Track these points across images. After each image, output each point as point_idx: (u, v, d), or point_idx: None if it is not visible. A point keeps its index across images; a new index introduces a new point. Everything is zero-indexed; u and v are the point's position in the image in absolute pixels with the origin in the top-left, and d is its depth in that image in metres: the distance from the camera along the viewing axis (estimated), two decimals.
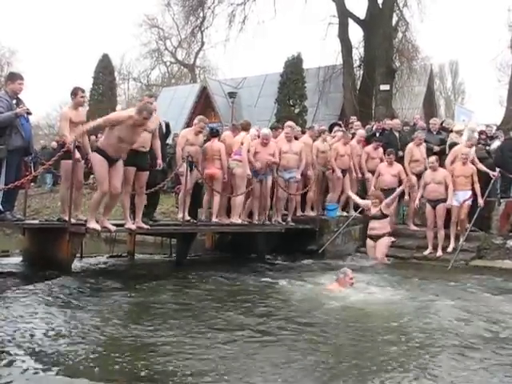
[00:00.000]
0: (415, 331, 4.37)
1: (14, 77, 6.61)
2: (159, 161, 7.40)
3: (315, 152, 9.96)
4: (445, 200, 8.83)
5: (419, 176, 9.60)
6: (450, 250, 8.69)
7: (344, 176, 10.15)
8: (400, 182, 9.55)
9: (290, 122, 10.05)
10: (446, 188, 8.84)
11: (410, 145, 10.08)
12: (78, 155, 6.73)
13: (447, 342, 4.09)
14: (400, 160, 10.09)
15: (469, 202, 8.79)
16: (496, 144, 10.51)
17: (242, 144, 8.90)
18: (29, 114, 6.49)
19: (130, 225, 7.04)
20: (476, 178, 8.83)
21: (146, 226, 7.29)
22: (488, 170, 9.20)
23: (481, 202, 8.74)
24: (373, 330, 4.40)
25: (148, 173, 7.30)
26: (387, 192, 9.25)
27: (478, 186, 8.80)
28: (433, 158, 9.10)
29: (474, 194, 8.84)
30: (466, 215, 8.80)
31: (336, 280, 6.17)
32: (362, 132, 11.05)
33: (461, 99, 40.77)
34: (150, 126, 6.94)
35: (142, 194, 7.39)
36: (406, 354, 3.80)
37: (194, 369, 3.31)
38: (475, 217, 8.74)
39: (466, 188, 8.83)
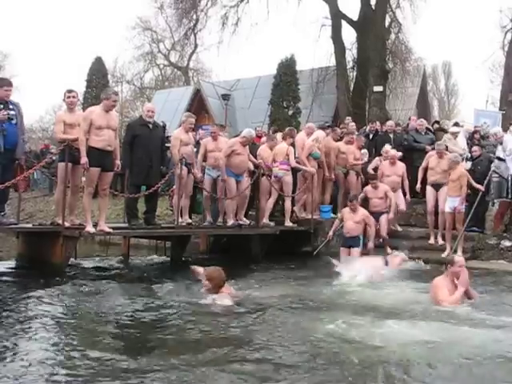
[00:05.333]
0: None
1: (1, 83, 6.62)
2: (117, 161, 7.17)
3: (336, 153, 10.23)
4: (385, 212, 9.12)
5: (434, 186, 9.15)
6: (444, 255, 8.31)
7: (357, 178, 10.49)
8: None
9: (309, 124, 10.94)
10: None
11: (432, 152, 9.68)
12: (85, 160, 6.63)
13: None
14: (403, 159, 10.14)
15: (461, 209, 8.52)
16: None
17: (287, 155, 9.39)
18: (10, 119, 6.45)
19: (90, 228, 6.82)
20: (464, 181, 8.53)
21: (108, 229, 7.04)
22: (476, 185, 8.75)
23: (459, 207, 8.47)
24: None
25: (112, 174, 7.17)
26: (350, 240, 8.64)
27: (464, 189, 8.51)
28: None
29: (467, 199, 8.66)
30: (461, 223, 8.54)
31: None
32: (398, 154, 10.01)
33: (454, 100, 41.07)
34: (113, 125, 6.90)
35: (106, 196, 7.25)
36: None
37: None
38: (468, 220, 8.60)
39: (454, 194, 8.56)
